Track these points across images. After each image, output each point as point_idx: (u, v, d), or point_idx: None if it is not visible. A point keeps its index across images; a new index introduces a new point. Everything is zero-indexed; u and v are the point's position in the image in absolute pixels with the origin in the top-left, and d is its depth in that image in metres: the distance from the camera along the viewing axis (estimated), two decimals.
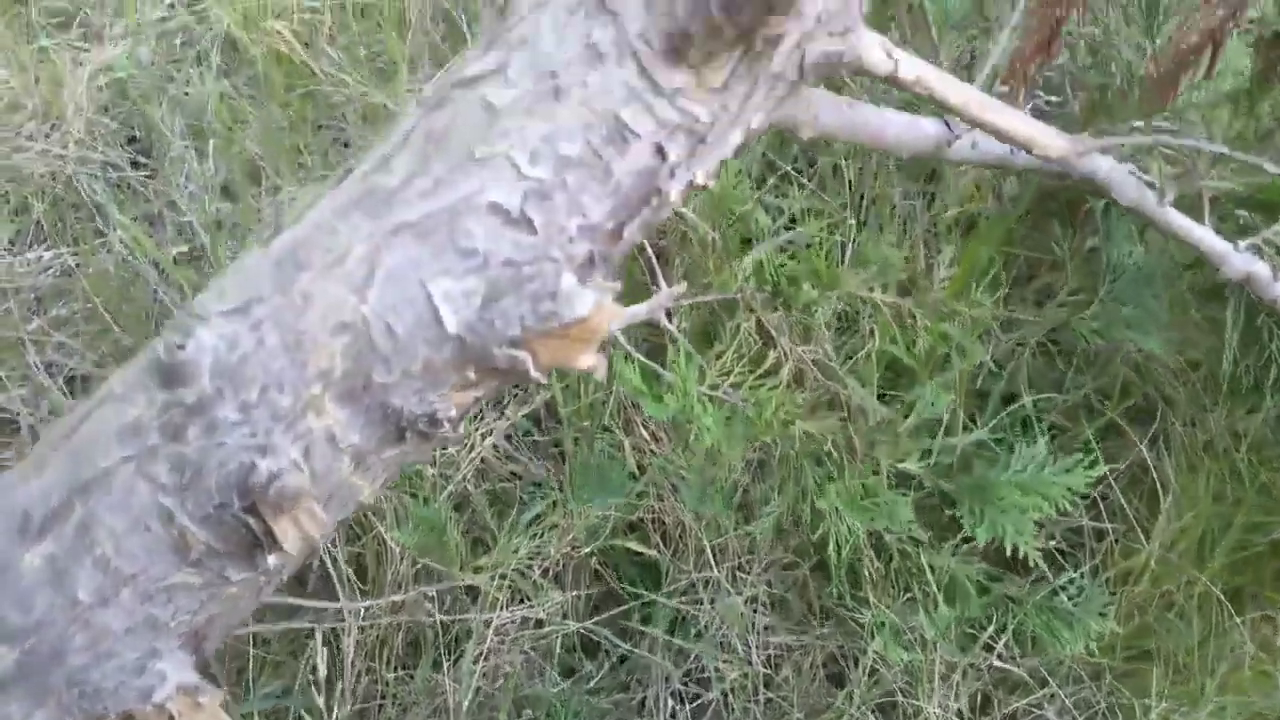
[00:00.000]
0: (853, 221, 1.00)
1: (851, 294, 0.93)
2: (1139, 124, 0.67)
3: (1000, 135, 0.59)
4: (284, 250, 0.49)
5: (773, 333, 0.94)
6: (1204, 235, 0.69)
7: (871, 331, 0.99)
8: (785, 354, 0.93)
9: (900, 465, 0.87)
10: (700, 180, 0.52)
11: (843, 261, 0.94)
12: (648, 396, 0.78)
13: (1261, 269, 0.72)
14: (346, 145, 1.49)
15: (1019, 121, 0.59)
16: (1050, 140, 0.60)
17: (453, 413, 0.50)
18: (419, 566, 1.03)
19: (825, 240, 0.91)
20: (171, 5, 1.69)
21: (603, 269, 0.53)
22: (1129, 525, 1.08)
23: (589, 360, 0.51)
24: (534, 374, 0.50)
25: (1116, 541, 1.09)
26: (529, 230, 0.49)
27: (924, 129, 0.72)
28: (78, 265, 1.38)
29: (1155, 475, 1.05)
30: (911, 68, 0.55)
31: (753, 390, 0.90)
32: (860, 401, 0.93)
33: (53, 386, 1.20)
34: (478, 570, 1.01)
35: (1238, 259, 0.71)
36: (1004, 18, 0.73)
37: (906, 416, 0.88)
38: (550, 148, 0.48)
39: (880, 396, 1.05)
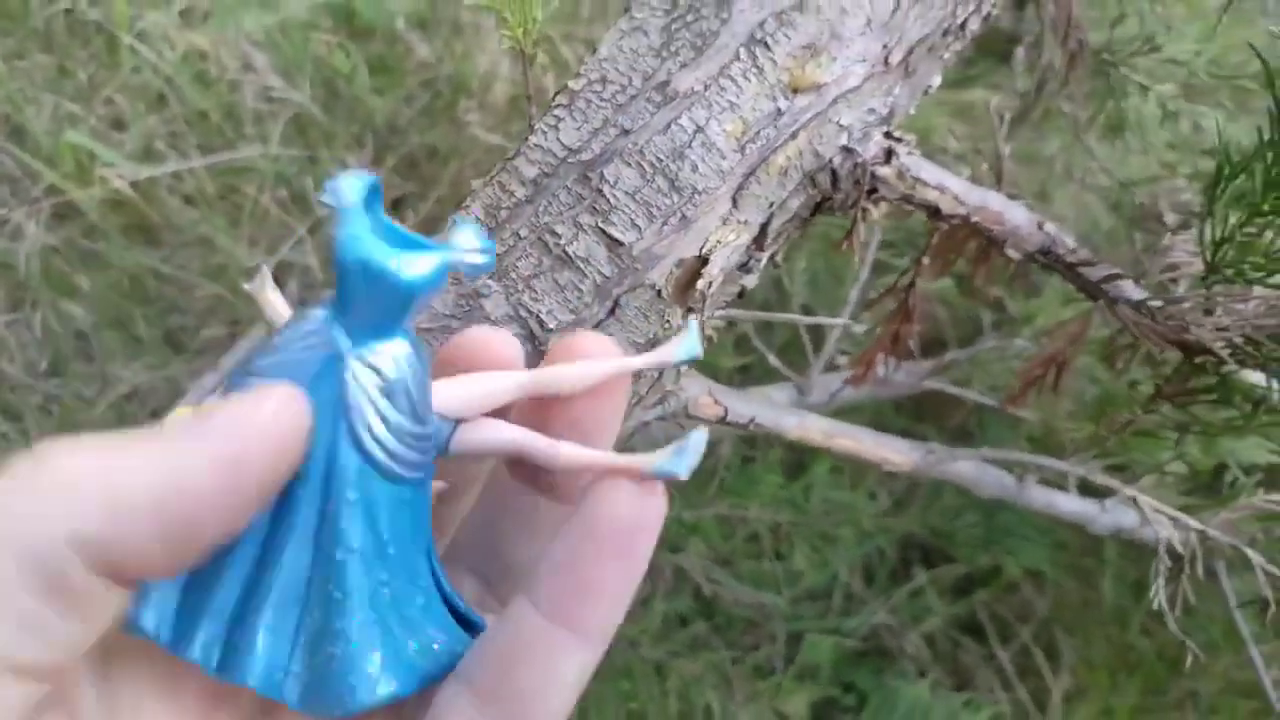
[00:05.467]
0: None
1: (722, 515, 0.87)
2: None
3: (852, 457, 0.55)
4: None
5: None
6: (1068, 505, 0.66)
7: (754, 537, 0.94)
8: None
9: (780, 710, 0.81)
10: None
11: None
12: None
13: (1129, 518, 0.69)
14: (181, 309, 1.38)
15: (868, 443, 0.55)
16: (902, 457, 0.56)
17: None
18: None
19: None
20: None
21: None
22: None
23: None
24: None
25: None
26: None
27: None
28: None
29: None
30: (740, 409, 0.50)
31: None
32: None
33: None
34: None
35: (1106, 519, 0.68)
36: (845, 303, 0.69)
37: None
38: None
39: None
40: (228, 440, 0.21)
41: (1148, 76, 0.78)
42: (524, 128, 1.31)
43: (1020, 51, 0.93)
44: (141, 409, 1.27)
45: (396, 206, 1.33)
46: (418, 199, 1.36)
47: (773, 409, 0.51)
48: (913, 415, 1.20)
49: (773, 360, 0.70)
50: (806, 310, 0.86)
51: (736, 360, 0.83)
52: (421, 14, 1.36)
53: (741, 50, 0.40)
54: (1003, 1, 0.50)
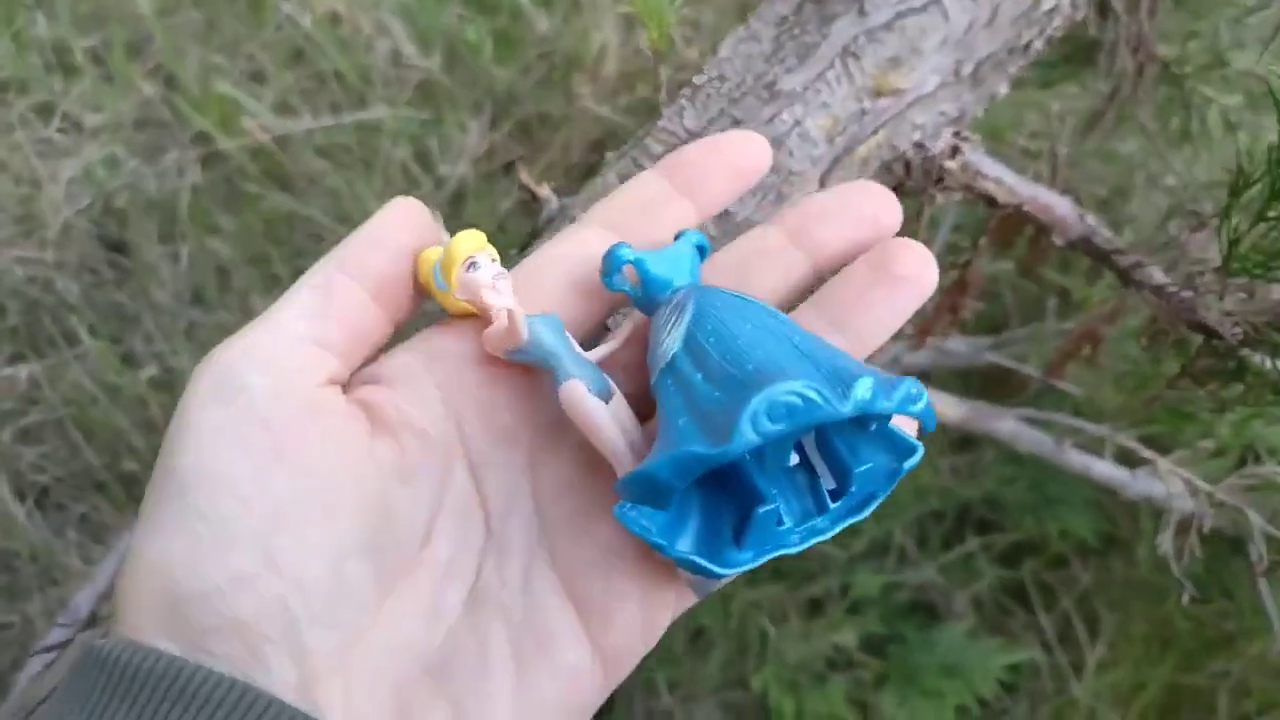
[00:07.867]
0: None
1: None
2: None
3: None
4: None
5: None
6: (1102, 470, 0.73)
7: None
8: None
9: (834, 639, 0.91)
10: None
11: None
12: None
13: (1158, 488, 0.76)
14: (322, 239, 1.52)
15: None
16: (950, 410, 0.64)
17: None
18: None
19: None
20: (149, 101, 1.72)
21: None
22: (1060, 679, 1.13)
23: None
24: None
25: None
26: None
27: None
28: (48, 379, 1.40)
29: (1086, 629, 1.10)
30: None
31: None
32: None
33: (20, 512, 1.22)
34: None
35: (1137, 485, 0.75)
36: None
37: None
38: None
39: None
40: None
41: (1222, 85, 0.84)
42: (631, 102, 1.40)
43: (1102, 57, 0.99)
44: None
45: (509, 169, 1.45)
46: (528, 162, 1.47)
47: None
48: (975, 396, 1.28)
49: None
50: None
51: None
52: None
53: (836, 60, 0.49)
54: (1085, 11, 0.58)
